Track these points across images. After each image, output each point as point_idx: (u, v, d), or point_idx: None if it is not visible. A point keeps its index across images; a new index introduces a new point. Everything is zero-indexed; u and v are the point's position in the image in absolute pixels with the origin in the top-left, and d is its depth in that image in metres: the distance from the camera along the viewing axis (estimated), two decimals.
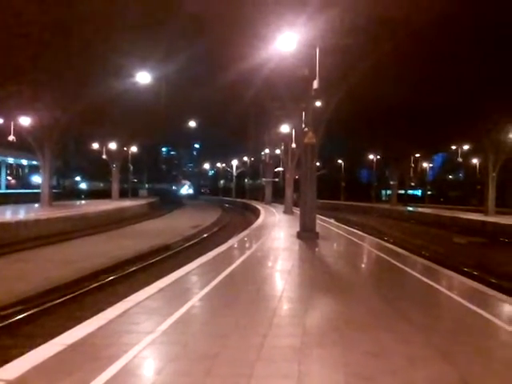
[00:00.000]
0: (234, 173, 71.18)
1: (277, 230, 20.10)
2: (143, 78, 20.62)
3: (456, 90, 29.56)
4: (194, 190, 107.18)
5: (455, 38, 21.61)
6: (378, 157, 55.60)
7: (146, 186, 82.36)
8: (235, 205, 56.44)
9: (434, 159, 66.54)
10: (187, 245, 18.69)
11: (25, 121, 29.15)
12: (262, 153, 47.69)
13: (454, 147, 46.29)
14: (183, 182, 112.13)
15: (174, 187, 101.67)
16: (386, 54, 17.48)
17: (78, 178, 72.79)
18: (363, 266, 12.43)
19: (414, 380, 4.16)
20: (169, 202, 57.03)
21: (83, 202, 44.23)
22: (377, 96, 28.97)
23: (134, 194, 62.03)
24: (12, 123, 29.90)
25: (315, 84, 12.90)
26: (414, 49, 20.93)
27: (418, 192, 72.30)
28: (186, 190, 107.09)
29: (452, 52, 23.38)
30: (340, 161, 65.42)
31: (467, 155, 48.52)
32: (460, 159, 46.70)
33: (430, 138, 41.27)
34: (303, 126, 15.68)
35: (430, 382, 4.12)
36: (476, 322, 6.24)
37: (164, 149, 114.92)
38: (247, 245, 15.25)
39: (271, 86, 18.76)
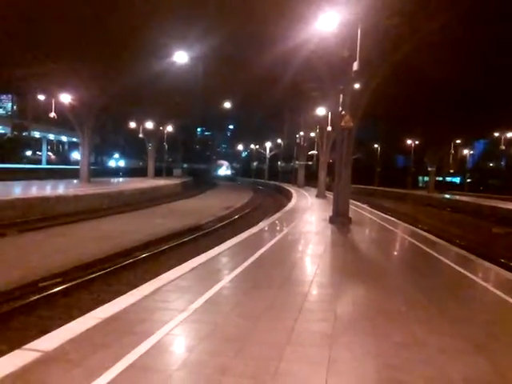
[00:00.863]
0: (268, 155, 70.94)
1: (309, 214, 19.98)
2: (181, 57, 20.64)
3: (502, 75, 28.28)
4: (232, 171, 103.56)
5: (503, 19, 20.57)
6: (417, 142, 54.08)
7: (184, 165, 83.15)
8: (268, 187, 56.41)
9: (475, 146, 64.26)
10: (219, 225, 18.85)
11: (65, 98, 29.87)
12: (297, 135, 47.27)
13: (496, 134, 44.49)
14: (221, 162, 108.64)
15: (209, 167, 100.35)
16: (429, 35, 16.82)
17: (115, 156, 74.46)
18: (396, 253, 12.20)
19: (446, 371, 4.07)
20: (202, 183, 57.60)
21: (120, 179, 45.22)
22: (418, 79, 28.08)
23: (169, 173, 62.96)
24: (53, 100, 30.69)
25: (355, 65, 12.55)
26: (460, 31, 20.06)
27: (457, 179, 70.15)
28: (223, 170, 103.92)
29: (499, 35, 22.30)
30: (376, 145, 64.10)
31: (510, 143, 46.60)
32: (503, 147, 44.86)
33: (472, 124, 39.81)
34: (340, 108, 15.34)
35: (462, 374, 4.01)
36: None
37: (199, 129, 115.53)
38: (278, 228, 15.23)
39: (310, 67, 18.39)
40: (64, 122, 37.86)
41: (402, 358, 4.33)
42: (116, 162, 74.25)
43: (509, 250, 15.81)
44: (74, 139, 50.35)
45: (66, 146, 66.13)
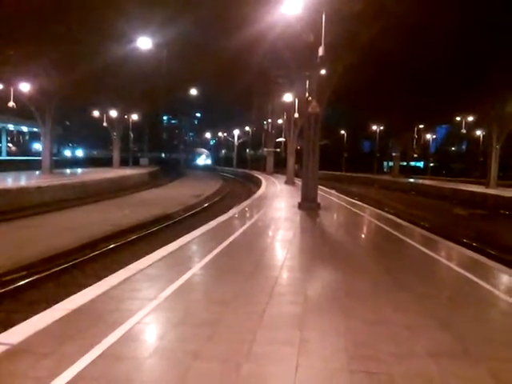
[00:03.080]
0: (236, 142, 70.74)
1: (278, 201, 20.10)
2: (144, 43, 20.13)
3: (464, 60, 29.04)
4: (213, 160, 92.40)
5: (463, 5, 21.08)
6: (381, 128, 55.10)
7: (155, 154, 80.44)
8: (236, 175, 56.35)
9: (438, 131, 65.95)
10: (188, 214, 18.73)
11: (24, 87, 28.75)
12: (265, 122, 47.27)
13: (458, 119, 45.76)
14: (199, 150, 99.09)
15: (178, 156, 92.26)
16: (392, 21, 17.05)
17: (77, 147, 72.49)
18: (364, 236, 12.46)
19: (412, 347, 4.20)
20: (170, 172, 56.83)
21: (84, 170, 44.13)
22: (381, 65, 28.50)
23: (135, 163, 61.87)
24: (12, 89, 29.48)
25: (320, 51, 12.59)
26: (421, 17, 20.43)
27: (421, 164, 72.02)
28: (203, 160, 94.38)
29: (461, 20, 22.83)
30: (342, 131, 64.89)
31: (471, 127, 48.05)
32: (464, 131, 46.20)
33: (435, 109, 40.82)
34: (307, 94, 15.41)
35: (428, 349, 4.16)
36: (475, 291, 6.28)
37: (165, 117, 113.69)
38: (248, 215, 15.27)
39: (276, 53, 18.36)
40: (24, 111, 36.48)
41: (369, 335, 4.45)
42: (73, 151, 71.48)
43: (470, 230, 16.43)
44: (35, 129, 48.63)
45: (27, 137, 63.86)
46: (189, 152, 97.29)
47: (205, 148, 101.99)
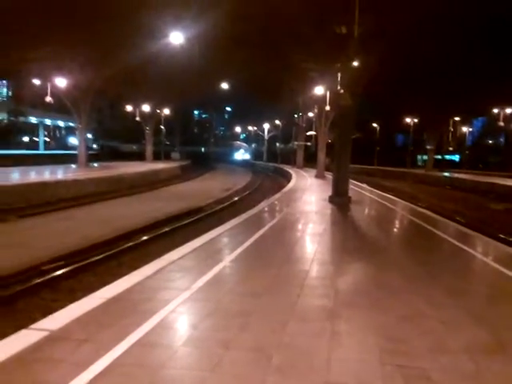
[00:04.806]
0: (266, 136, 70.66)
1: (308, 194, 20.01)
2: (176, 38, 20.32)
3: (500, 49, 28.02)
4: (252, 154, 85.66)
5: None
6: (415, 120, 53.82)
7: (186, 148, 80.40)
8: (266, 169, 56.34)
9: (474, 123, 63.98)
10: (219, 207, 18.89)
11: (61, 82, 29.58)
12: (295, 116, 46.98)
13: (495, 111, 44.20)
14: (238, 144, 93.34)
15: (209, 150, 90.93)
16: (428, 10, 16.61)
17: (112, 140, 73.87)
18: (396, 230, 12.27)
19: (446, 342, 4.13)
20: (201, 166, 57.25)
21: (117, 163, 45.11)
22: (417, 56, 27.82)
23: (167, 157, 62.75)
24: (49, 85, 30.40)
25: (353, 42, 12.41)
26: (458, 7, 19.79)
27: (456, 157, 70.07)
28: (241, 154, 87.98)
29: (500, 9, 22.02)
30: (375, 124, 63.78)
31: (509, 119, 46.34)
32: (501, 123, 44.59)
33: (471, 101, 39.59)
34: (339, 87, 15.23)
35: (462, 344, 4.08)
36: (511, 287, 6.11)
37: (196, 112, 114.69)
38: (278, 208, 15.27)
39: (307, 45, 18.19)
40: (60, 106, 37.59)
41: (402, 330, 4.40)
42: (112, 146, 72.54)
43: (507, 225, 15.91)
44: (71, 124, 49.98)
45: (63, 131, 65.78)
46: (227, 146, 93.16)
47: (243, 142, 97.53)
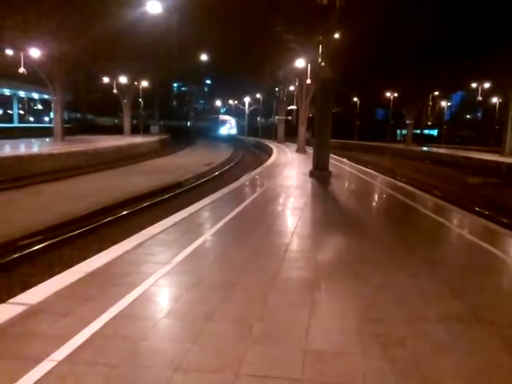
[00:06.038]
0: (247, 110, 70.03)
1: (289, 169, 20.05)
2: (154, 7, 19.67)
3: (479, 25, 28.10)
4: (240, 129, 76.56)
5: None
6: (395, 95, 53.99)
7: (161, 122, 77.58)
8: (247, 143, 56.07)
9: (453, 98, 64.50)
10: (199, 182, 18.80)
11: (34, 53, 28.53)
12: (276, 89, 46.55)
13: (474, 85, 44.59)
14: (223, 118, 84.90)
15: (190, 124, 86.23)
16: None
17: (88, 113, 72.16)
18: (375, 204, 12.44)
19: (423, 311, 4.25)
20: (181, 140, 56.43)
21: (94, 137, 44.21)
22: (397, 31, 27.71)
23: (146, 131, 61.73)
24: (22, 55, 29.29)
25: (335, 14, 12.25)
26: None
27: (435, 132, 70.88)
28: (227, 129, 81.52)
29: None
30: (355, 99, 63.76)
31: (487, 94, 46.83)
32: (480, 98, 45.06)
33: (449, 75, 39.81)
34: (319, 60, 15.09)
35: (439, 313, 4.21)
36: (486, 258, 6.29)
37: (175, 84, 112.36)
38: (259, 182, 15.28)
39: (288, 16, 17.88)
40: (34, 78, 36.32)
41: (379, 299, 4.51)
42: (88, 119, 70.49)
43: (483, 198, 16.30)
44: (46, 96, 48.50)
45: (38, 104, 63.83)
46: (210, 120, 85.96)
47: (226, 115, 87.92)
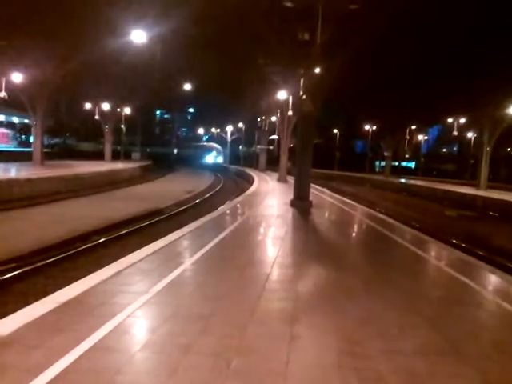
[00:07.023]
0: (229, 139, 70.55)
1: (270, 198, 20.13)
2: (138, 36, 19.94)
3: (456, 63, 29.26)
4: (225, 158, 73.48)
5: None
6: (374, 128, 55.30)
7: (147, 149, 76.53)
8: (228, 171, 56.25)
9: (429, 132, 66.30)
10: (180, 209, 18.68)
11: (17, 77, 28.43)
12: (258, 119, 47.23)
13: (450, 120, 46.02)
14: (209, 145, 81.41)
15: (171, 151, 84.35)
16: (389, 23, 17.12)
17: (69, 139, 71.68)
18: (355, 235, 12.53)
19: (402, 345, 4.25)
20: (163, 167, 56.26)
21: (75, 162, 43.78)
22: (376, 65, 28.61)
23: (127, 157, 61.46)
24: (3, 79, 29.14)
25: (315, 49, 12.61)
26: (417, 20, 20.51)
27: (412, 164, 72.47)
28: (212, 157, 78.22)
29: (454, 24, 23.00)
30: (335, 130, 65.04)
31: (463, 129, 48.33)
32: (455, 133, 46.46)
33: (426, 110, 41.14)
34: (301, 93, 15.42)
35: (417, 347, 4.21)
36: (463, 291, 6.35)
37: (158, 112, 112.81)
38: (240, 211, 15.27)
39: (271, 50, 18.33)
40: (15, 102, 36.04)
41: (359, 332, 4.49)
42: (69, 144, 69.83)
43: (460, 231, 16.59)
44: (26, 120, 48.06)
45: (18, 128, 63.07)
46: (195, 147, 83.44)
47: (216, 142, 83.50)
